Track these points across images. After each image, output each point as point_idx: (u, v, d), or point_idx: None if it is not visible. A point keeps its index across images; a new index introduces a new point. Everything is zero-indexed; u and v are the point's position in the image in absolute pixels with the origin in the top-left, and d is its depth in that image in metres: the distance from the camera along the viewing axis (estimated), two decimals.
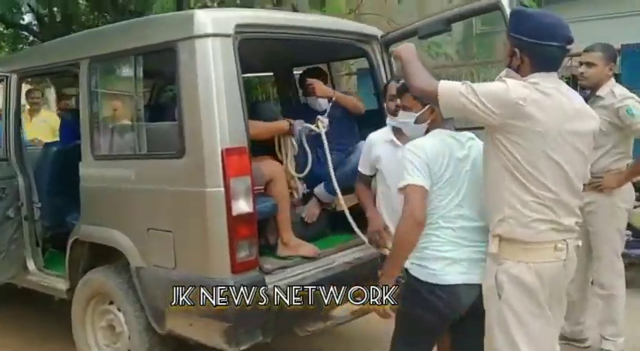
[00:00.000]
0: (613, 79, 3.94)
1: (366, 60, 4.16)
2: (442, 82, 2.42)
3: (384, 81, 4.02)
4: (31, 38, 15.11)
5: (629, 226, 4.56)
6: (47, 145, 5.06)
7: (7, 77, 4.29)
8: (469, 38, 10.96)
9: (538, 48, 2.38)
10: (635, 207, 4.40)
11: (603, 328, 4.07)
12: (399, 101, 2.94)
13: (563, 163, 2.36)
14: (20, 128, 4.48)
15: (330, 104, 4.10)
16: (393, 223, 2.86)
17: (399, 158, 2.75)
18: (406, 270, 2.62)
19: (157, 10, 7.27)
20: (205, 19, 3.14)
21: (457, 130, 2.75)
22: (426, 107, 2.72)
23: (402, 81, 2.90)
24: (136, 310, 3.47)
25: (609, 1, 9.95)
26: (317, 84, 4.13)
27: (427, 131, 2.77)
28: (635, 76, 3.77)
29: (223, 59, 3.09)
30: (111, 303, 3.71)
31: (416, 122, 2.79)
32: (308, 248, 3.63)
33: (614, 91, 3.80)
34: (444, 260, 2.57)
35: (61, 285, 4.04)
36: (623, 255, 4.10)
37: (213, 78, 3.06)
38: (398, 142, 3.15)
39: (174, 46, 3.17)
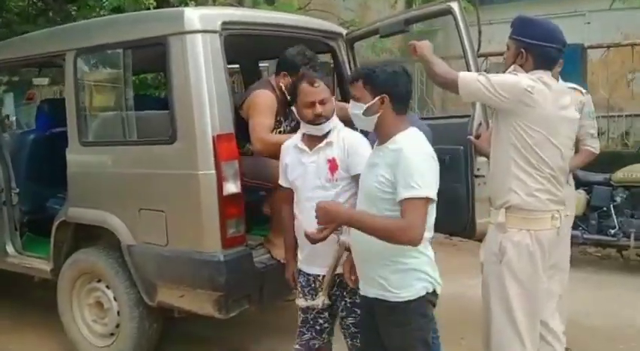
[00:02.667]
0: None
1: (332, 56, 4.52)
2: (462, 72, 2.87)
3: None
4: None
5: None
6: (24, 133, 5.20)
7: None
8: (410, 36, 11.45)
9: (541, 49, 2.84)
10: None
11: None
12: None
13: (559, 145, 2.83)
14: None
15: None
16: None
17: (306, 164, 2.89)
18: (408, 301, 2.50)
19: (112, 2, 7.34)
20: (194, 16, 3.44)
21: None
22: (377, 98, 2.51)
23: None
24: (127, 287, 3.73)
25: (541, 3, 10.65)
26: None
27: (385, 127, 2.55)
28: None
29: (212, 53, 3.39)
30: (98, 281, 3.95)
31: (365, 114, 2.54)
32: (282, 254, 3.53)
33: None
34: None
35: (45, 266, 4.25)
36: None
37: (203, 70, 3.35)
38: (304, 147, 2.95)
39: (165, 40, 3.44)
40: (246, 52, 5.16)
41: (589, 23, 10.11)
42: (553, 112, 2.81)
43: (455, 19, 3.62)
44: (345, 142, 2.91)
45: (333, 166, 2.89)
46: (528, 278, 2.86)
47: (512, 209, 2.86)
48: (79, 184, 3.96)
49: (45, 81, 8.50)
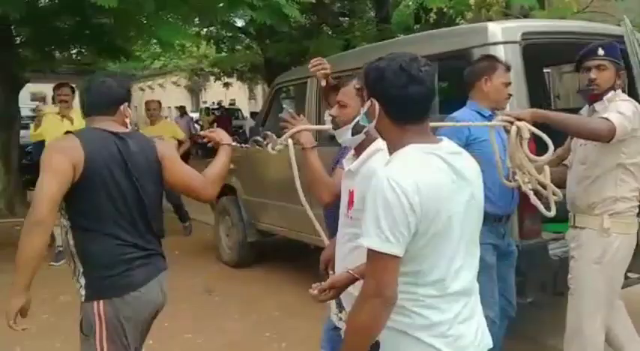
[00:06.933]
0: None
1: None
2: (614, 121, 2.98)
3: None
4: (247, 40, 16.50)
5: None
6: None
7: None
8: None
9: (624, 72, 3.25)
10: None
11: None
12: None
13: None
14: None
15: None
16: None
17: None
18: None
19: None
20: (497, 29, 3.81)
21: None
22: None
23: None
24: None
25: None
26: None
27: None
28: None
29: (513, 62, 3.62)
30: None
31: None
32: None
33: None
34: None
35: None
36: None
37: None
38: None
39: (469, 52, 3.85)
40: (531, 60, 5.41)
41: None
42: None
43: None
44: (371, 173, 2.06)
45: (350, 199, 2.44)
46: (619, 277, 3.21)
47: (615, 216, 3.10)
48: None
49: None
